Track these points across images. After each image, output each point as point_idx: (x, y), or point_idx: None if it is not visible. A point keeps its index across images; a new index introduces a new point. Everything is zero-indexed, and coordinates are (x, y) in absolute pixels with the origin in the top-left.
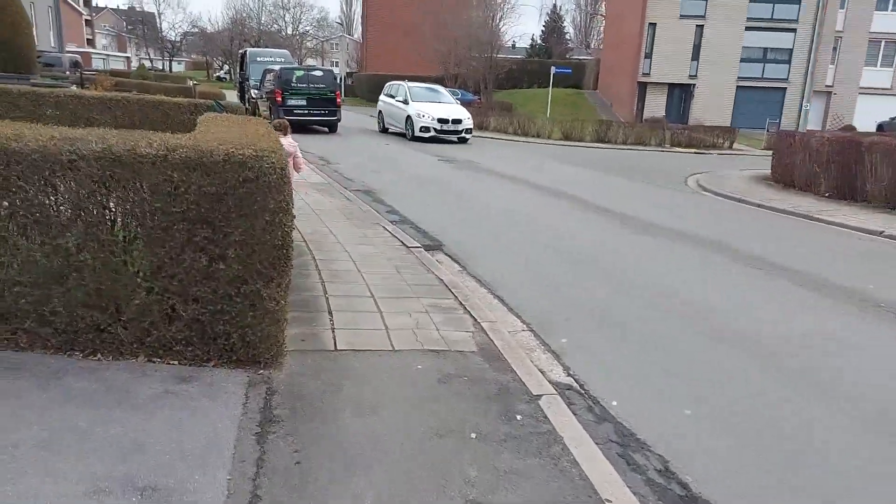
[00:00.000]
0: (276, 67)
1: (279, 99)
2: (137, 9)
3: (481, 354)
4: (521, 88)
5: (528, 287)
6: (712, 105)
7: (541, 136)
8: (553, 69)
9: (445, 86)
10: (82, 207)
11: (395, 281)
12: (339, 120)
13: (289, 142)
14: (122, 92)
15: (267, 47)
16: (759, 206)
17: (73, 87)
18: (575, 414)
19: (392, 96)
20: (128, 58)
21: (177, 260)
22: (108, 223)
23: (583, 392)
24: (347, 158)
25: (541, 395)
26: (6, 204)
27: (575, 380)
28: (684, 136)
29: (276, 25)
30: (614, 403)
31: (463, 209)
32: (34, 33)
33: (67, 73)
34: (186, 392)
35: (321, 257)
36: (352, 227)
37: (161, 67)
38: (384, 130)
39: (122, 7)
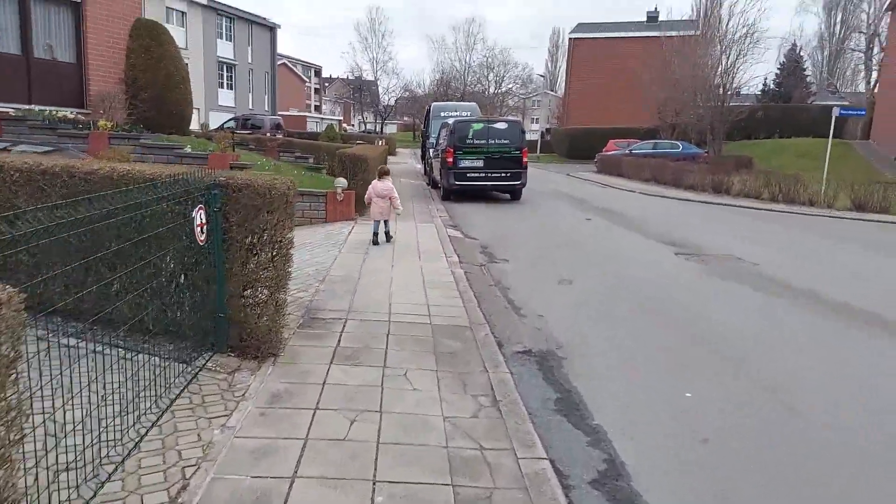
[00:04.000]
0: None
1: (450, 160)
2: (361, 78)
3: None
4: (756, 140)
5: None
6: None
7: (815, 204)
8: (837, 110)
9: (660, 137)
10: None
11: None
12: (523, 185)
13: (385, 185)
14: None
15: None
16: None
17: (187, 148)
18: None
19: None
20: (339, 120)
21: None
22: None
23: None
24: (524, 252)
25: None
26: None
27: None
28: None
29: (479, 85)
30: None
31: (788, 431)
32: (191, 91)
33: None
34: None
35: None
36: None
37: (374, 129)
38: None
39: (350, 77)
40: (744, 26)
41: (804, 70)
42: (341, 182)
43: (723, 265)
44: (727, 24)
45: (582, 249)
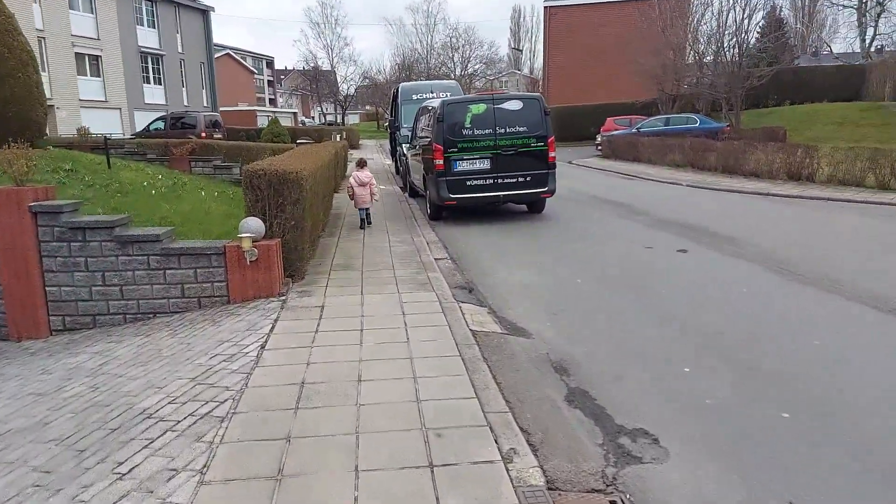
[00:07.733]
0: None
1: (440, 162)
2: (317, 67)
3: None
4: (767, 108)
5: None
6: None
7: None
8: None
9: (659, 112)
10: None
11: None
12: (552, 192)
13: (365, 174)
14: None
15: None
16: None
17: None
18: None
19: None
20: (295, 113)
21: None
22: None
23: None
24: (672, 392)
25: None
26: None
27: None
28: None
29: (444, 68)
30: None
31: None
32: (41, 80)
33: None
34: None
35: None
36: None
37: (335, 121)
38: None
39: (306, 67)
40: None
41: (785, 31)
42: (251, 227)
43: None
44: None
45: (785, 371)
